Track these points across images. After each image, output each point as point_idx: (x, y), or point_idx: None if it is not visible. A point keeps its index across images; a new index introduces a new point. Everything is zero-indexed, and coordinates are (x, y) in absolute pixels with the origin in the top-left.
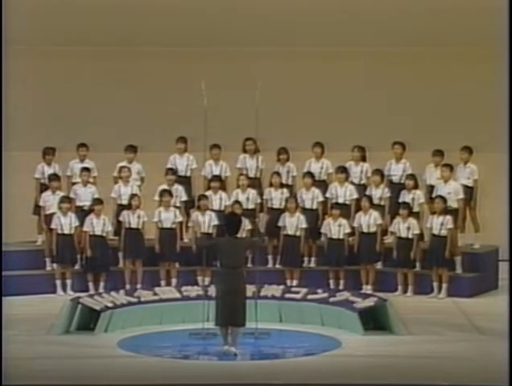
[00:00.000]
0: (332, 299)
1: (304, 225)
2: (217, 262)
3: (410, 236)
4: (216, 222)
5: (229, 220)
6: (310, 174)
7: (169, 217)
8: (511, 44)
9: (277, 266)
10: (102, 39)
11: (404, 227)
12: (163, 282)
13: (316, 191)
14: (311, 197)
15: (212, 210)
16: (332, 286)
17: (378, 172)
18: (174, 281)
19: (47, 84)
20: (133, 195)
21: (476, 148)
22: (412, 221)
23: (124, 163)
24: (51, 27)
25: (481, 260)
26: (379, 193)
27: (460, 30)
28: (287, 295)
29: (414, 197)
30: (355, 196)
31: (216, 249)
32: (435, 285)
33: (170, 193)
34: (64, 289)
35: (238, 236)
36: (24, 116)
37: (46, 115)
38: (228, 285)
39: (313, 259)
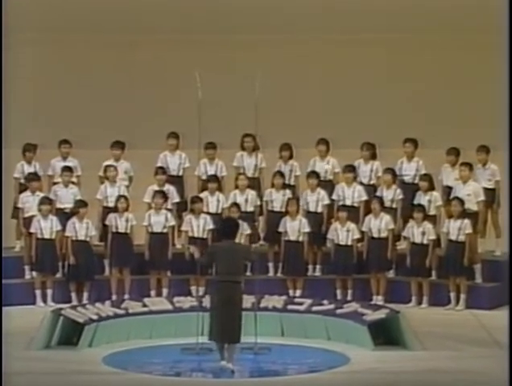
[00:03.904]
0: (339, 311)
1: (307, 229)
2: (213, 270)
3: (425, 242)
4: (211, 226)
5: (225, 225)
6: (314, 173)
7: (160, 221)
8: None
9: (278, 275)
10: (87, 28)
11: (419, 231)
12: (153, 292)
13: (322, 193)
14: (315, 199)
15: (209, 213)
16: (339, 297)
17: (390, 171)
18: (165, 290)
19: (25, 75)
20: (120, 197)
21: (494, 146)
22: (427, 225)
23: (110, 161)
24: (33, 16)
25: (503, 269)
26: (391, 194)
27: (471, 22)
28: (290, 307)
29: (431, 199)
30: (364, 198)
31: (214, 256)
32: (452, 295)
33: (162, 194)
34: (45, 299)
35: (236, 241)
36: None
37: (25, 109)
38: (223, 296)
39: (318, 267)
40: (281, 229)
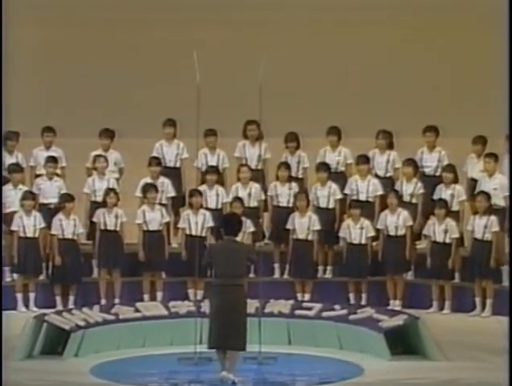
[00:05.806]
0: (352, 317)
1: (317, 227)
2: (213, 272)
3: (447, 241)
4: (211, 223)
5: (228, 221)
6: (325, 165)
7: (156, 217)
8: None
9: (285, 277)
10: (72, 6)
11: (440, 229)
12: (146, 296)
13: (333, 187)
14: (326, 194)
15: (207, 208)
16: (352, 301)
17: (411, 162)
18: (160, 294)
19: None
20: (109, 190)
21: None
22: (450, 222)
23: (99, 151)
24: None
25: None
26: (411, 188)
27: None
28: (298, 312)
29: (454, 193)
30: (379, 192)
31: (212, 257)
32: (477, 300)
33: (156, 188)
34: (27, 304)
35: (238, 239)
36: None
37: (5, 94)
38: (224, 300)
39: (329, 268)
40: (289, 226)
